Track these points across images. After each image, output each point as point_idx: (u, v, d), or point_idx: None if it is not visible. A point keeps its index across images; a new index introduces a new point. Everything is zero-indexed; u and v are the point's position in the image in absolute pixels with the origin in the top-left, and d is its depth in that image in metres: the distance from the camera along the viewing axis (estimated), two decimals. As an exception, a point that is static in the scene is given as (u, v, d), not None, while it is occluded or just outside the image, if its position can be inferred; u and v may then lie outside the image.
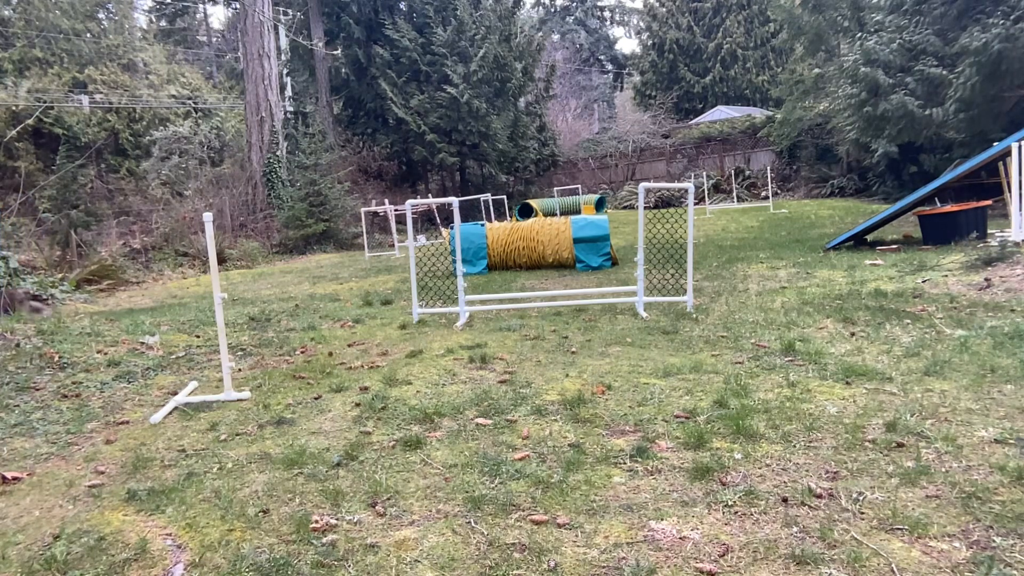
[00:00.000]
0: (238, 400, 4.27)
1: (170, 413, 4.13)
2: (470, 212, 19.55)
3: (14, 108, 22.47)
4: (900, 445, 2.98)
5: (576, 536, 2.43)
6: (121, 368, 5.05)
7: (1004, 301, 5.52)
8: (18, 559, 2.49)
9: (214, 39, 41.20)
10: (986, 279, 6.23)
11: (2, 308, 7.71)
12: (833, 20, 18.53)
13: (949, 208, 9.13)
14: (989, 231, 8.67)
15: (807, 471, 2.82)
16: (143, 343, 5.70)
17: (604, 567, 2.24)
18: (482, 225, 10.78)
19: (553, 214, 19.56)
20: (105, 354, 5.33)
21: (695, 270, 7.31)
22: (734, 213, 18.70)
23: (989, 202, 9.32)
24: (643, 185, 6.31)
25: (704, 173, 24.59)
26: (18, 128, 22.05)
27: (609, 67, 49.53)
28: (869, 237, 10.33)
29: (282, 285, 10.65)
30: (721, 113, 29.69)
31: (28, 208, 18.38)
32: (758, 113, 27.74)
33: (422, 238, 16.59)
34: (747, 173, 25.14)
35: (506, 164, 24.03)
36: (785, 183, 24.11)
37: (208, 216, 4.23)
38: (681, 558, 2.26)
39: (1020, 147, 7.91)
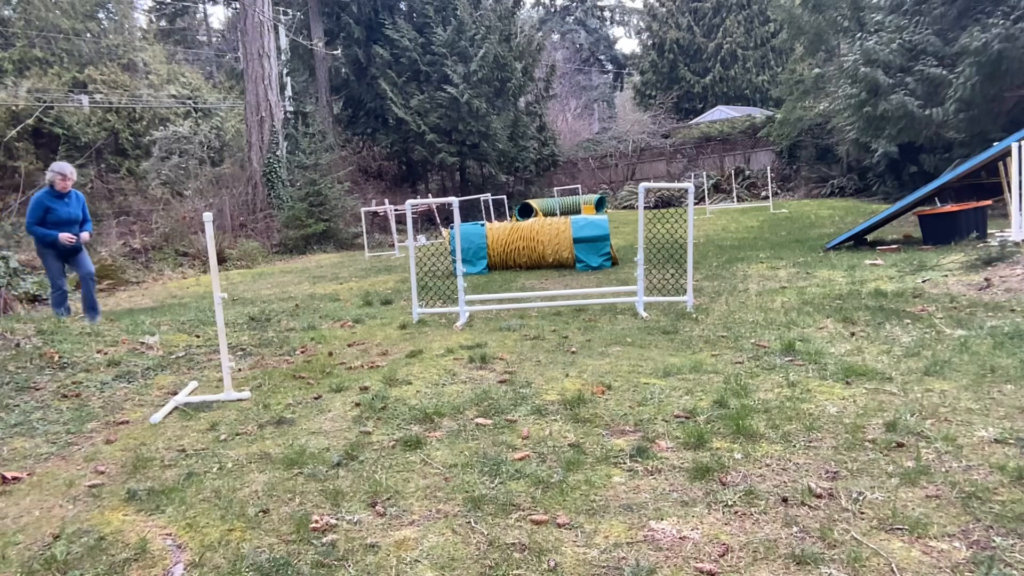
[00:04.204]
0: (238, 400, 4.27)
1: (170, 413, 4.12)
2: (470, 212, 19.54)
3: (14, 108, 22.46)
4: (900, 445, 2.98)
5: (576, 536, 2.43)
6: (121, 368, 5.05)
7: (1004, 301, 5.52)
8: (18, 559, 2.49)
9: (214, 39, 41.19)
10: (986, 279, 6.23)
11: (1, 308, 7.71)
12: (833, 20, 18.53)
13: (949, 208, 9.13)
14: (989, 231, 8.67)
15: (807, 471, 2.82)
16: (143, 343, 5.70)
17: (604, 567, 2.24)
18: (482, 225, 10.77)
19: (553, 214, 19.55)
20: (105, 354, 5.33)
21: (695, 270, 7.31)
22: (734, 213, 18.71)
23: (989, 202, 9.33)
24: (643, 185, 6.31)
25: (704, 173, 24.59)
26: (18, 128, 22.05)
27: (609, 67, 49.53)
28: (869, 237, 10.33)
29: (282, 285, 10.64)
30: (721, 113, 29.70)
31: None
32: (758, 113, 27.76)
33: (422, 238, 16.59)
34: (747, 173, 25.14)
35: (506, 164, 24.03)
36: (785, 183, 24.11)
37: (208, 216, 4.23)
38: (681, 558, 2.26)
39: (1020, 147, 7.91)
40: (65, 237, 6.69)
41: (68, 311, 7.04)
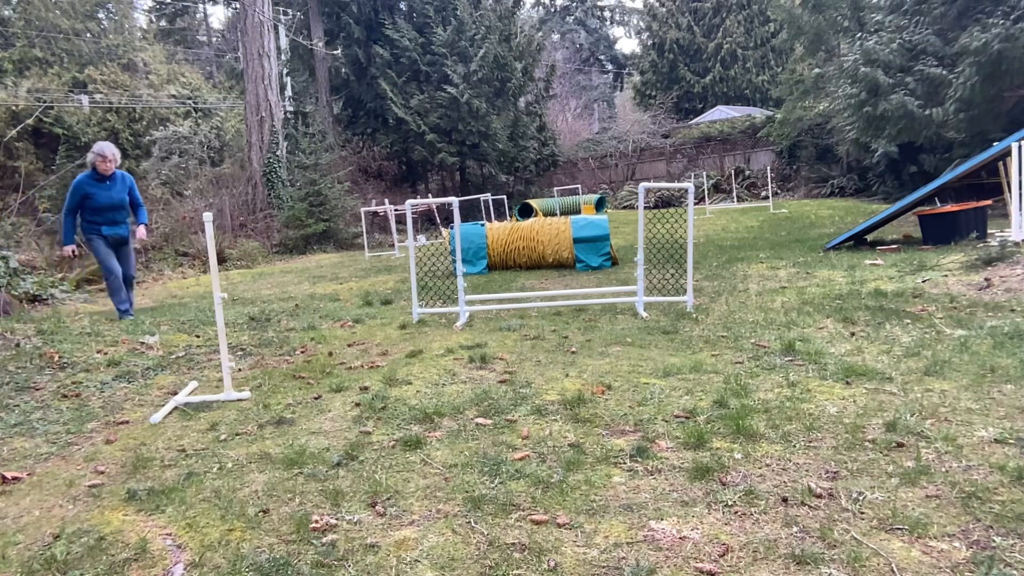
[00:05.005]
0: (238, 400, 4.27)
1: (170, 413, 4.12)
2: (470, 212, 19.55)
3: (14, 108, 22.46)
4: (900, 445, 2.98)
5: (576, 536, 2.43)
6: (121, 368, 5.05)
7: (1004, 301, 5.52)
8: (18, 559, 2.49)
9: (214, 39, 41.20)
10: (986, 279, 6.23)
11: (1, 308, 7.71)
12: (833, 20, 18.54)
13: (949, 208, 9.13)
14: (989, 231, 8.67)
15: (807, 471, 2.82)
16: (143, 343, 5.70)
17: (604, 567, 2.24)
18: (482, 225, 10.77)
19: (553, 214, 19.55)
20: (105, 354, 5.33)
21: (695, 270, 7.31)
22: (734, 213, 18.71)
23: (989, 202, 9.33)
24: (643, 185, 6.31)
25: (704, 173, 24.60)
26: (18, 128, 22.06)
27: (609, 67, 49.54)
28: (869, 237, 10.33)
29: (282, 285, 10.64)
30: (721, 113, 29.70)
31: (28, 208, 18.36)
32: (758, 113, 27.76)
33: (422, 238, 16.59)
34: (747, 173, 25.14)
35: (506, 164, 24.03)
36: (785, 183, 24.12)
37: (208, 216, 4.23)
38: (681, 558, 2.26)
39: (1020, 147, 7.91)
40: (68, 250, 6.55)
41: (127, 306, 6.63)
